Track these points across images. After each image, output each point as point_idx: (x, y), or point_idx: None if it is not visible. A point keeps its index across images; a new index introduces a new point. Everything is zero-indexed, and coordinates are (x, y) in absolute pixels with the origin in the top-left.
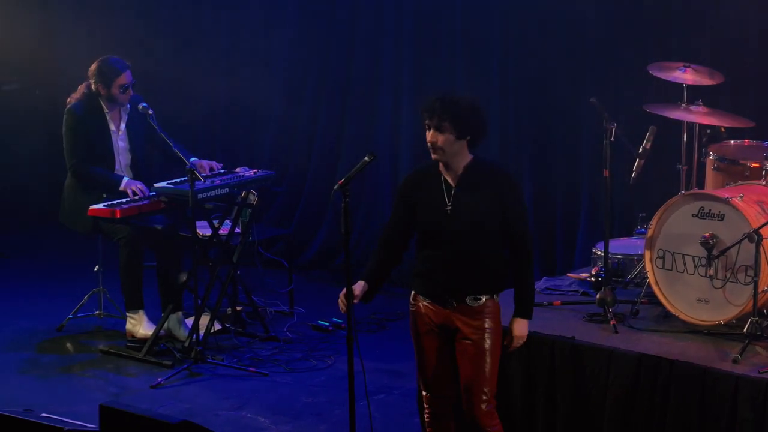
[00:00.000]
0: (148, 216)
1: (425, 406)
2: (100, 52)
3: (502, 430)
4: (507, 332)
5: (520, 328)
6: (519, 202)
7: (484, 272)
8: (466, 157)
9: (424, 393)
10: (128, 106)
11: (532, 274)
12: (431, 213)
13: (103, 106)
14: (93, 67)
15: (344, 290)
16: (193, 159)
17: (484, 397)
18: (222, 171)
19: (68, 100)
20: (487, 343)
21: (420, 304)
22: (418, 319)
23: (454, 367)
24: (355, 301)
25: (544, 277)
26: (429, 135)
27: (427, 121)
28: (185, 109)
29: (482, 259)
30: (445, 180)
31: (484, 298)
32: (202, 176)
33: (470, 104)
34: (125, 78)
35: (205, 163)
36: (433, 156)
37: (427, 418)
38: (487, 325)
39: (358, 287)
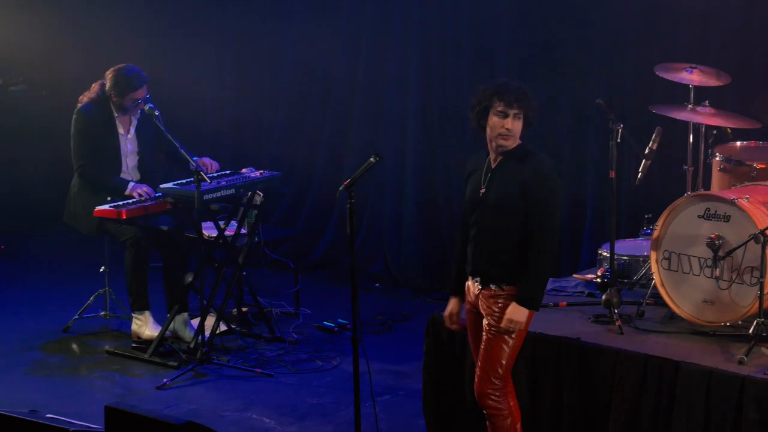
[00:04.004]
0: (154, 217)
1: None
2: (105, 53)
3: (509, 416)
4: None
5: (513, 311)
6: (545, 194)
7: (504, 257)
8: (516, 143)
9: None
10: (139, 111)
11: (542, 266)
12: (471, 194)
13: (113, 110)
14: (111, 72)
15: (448, 312)
16: (194, 158)
17: (490, 377)
18: (228, 172)
19: (80, 98)
20: (501, 328)
21: (467, 284)
22: (466, 297)
23: None
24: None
25: (549, 278)
26: (509, 122)
27: (509, 110)
28: (192, 111)
29: (504, 244)
30: (489, 163)
31: (505, 285)
32: (208, 177)
33: (534, 95)
34: (140, 93)
35: (206, 160)
36: (504, 143)
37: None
38: (504, 311)
39: (455, 309)
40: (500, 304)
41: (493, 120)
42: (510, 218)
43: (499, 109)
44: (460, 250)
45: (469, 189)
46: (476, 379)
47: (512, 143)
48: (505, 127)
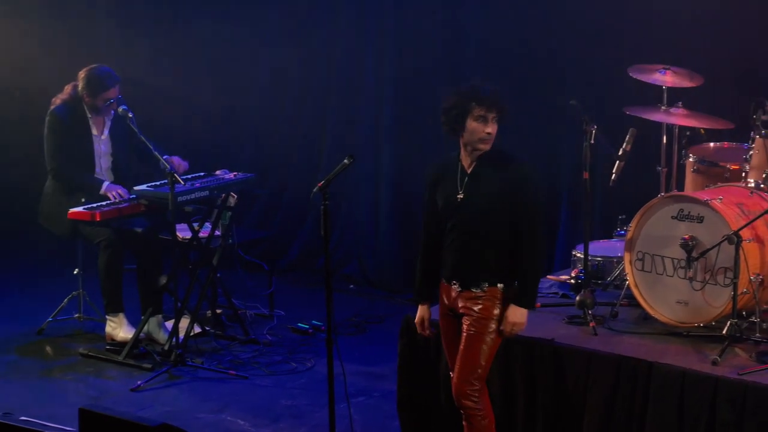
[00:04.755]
0: (128, 219)
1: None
2: (80, 55)
3: (486, 417)
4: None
5: (513, 314)
6: (529, 194)
7: (487, 260)
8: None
9: (452, 377)
10: (112, 112)
11: (534, 266)
12: (446, 199)
13: (87, 111)
14: (83, 73)
15: (419, 319)
16: (165, 157)
17: (469, 378)
18: (202, 174)
19: (53, 100)
20: (480, 329)
21: (442, 287)
22: (440, 301)
23: None
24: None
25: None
26: (490, 128)
27: (488, 114)
28: (167, 112)
29: (487, 247)
30: (463, 167)
31: (486, 286)
32: (183, 179)
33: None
34: (112, 93)
35: (175, 159)
36: (483, 147)
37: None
38: (484, 311)
39: (426, 315)
40: (480, 305)
41: (473, 125)
42: (492, 221)
43: (479, 113)
44: (426, 256)
45: (442, 196)
46: (454, 380)
47: (489, 146)
48: (486, 132)
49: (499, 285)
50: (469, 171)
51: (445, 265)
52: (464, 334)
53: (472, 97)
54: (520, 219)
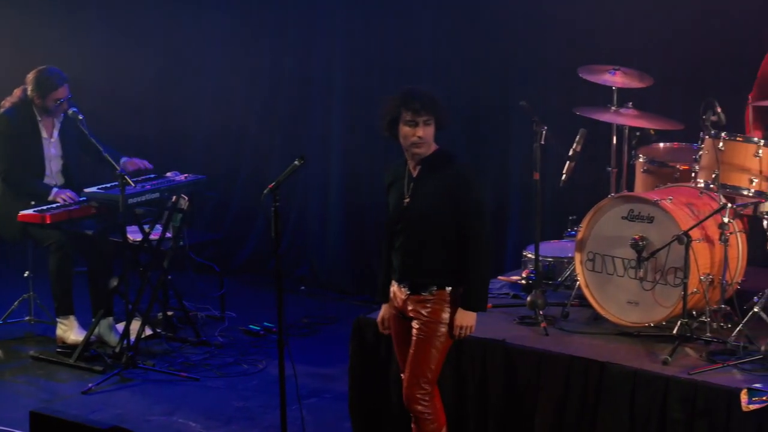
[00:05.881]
0: (78, 221)
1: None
2: (26, 56)
3: (435, 421)
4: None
5: (462, 317)
6: (472, 196)
7: (434, 263)
8: (432, 147)
9: (402, 377)
10: (62, 114)
11: (481, 268)
12: (395, 203)
13: (36, 114)
14: (31, 75)
15: (380, 318)
16: (124, 159)
17: (419, 382)
18: (152, 176)
19: (2, 103)
20: (429, 333)
21: (391, 289)
22: (390, 303)
23: None
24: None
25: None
26: (419, 131)
27: (416, 118)
28: (116, 114)
29: (434, 250)
30: (409, 171)
31: (434, 289)
32: (133, 181)
33: (437, 96)
34: (61, 93)
35: (136, 160)
36: (417, 150)
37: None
38: (432, 315)
39: (387, 314)
40: (429, 308)
41: (404, 129)
42: (437, 226)
43: (408, 118)
44: (386, 258)
45: (393, 199)
46: (405, 384)
47: (426, 150)
48: (417, 136)
49: (447, 288)
50: (414, 175)
51: (394, 268)
52: (414, 338)
53: (401, 103)
54: (465, 221)
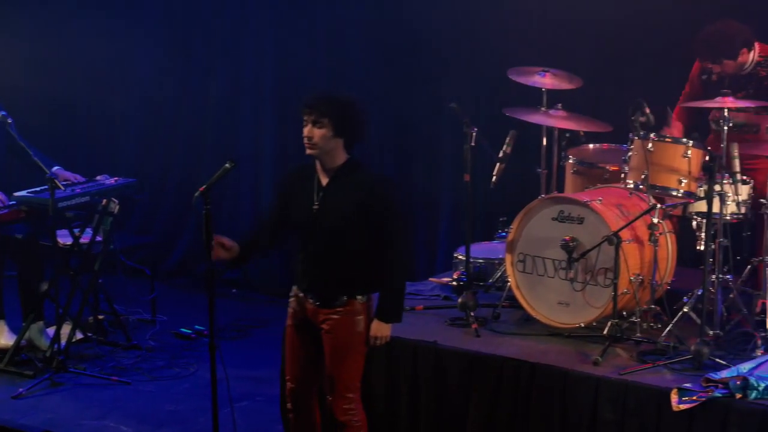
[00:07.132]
0: (7, 225)
1: (287, 399)
2: None
3: (364, 426)
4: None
5: (376, 328)
6: (388, 208)
7: (346, 273)
8: (341, 157)
9: (288, 384)
10: None
11: (396, 279)
12: (300, 211)
13: None
14: None
15: (220, 239)
16: (56, 168)
17: (343, 393)
18: (83, 179)
19: None
20: (344, 345)
21: (294, 297)
22: (291, 311)
23: (318, 362)
24: (226, 256)
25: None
26: (306, 130)
27: (306, 116)
28: (45, 117)
29: (345, 260)
30: (318, 179)
31: (346, 298)
32: (63, 184)
33: (351, 103)
34: None
35: (69, 174)
36: (308, 152)
37: (290, 410)
38: (346, 326)
39: (230, 241)
40: (341, 320)
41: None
42: (348, 236)
43: (304, 116)
44: (251, 233)
45: (295, 205)
46: (330, 398)
47: (316, 153)
48: (304, 135)
49: (358, 297)
50: (324, 184)
51: (299, 277)
52: (329, 349)
53: (302, 102)
54: (380, 234)
